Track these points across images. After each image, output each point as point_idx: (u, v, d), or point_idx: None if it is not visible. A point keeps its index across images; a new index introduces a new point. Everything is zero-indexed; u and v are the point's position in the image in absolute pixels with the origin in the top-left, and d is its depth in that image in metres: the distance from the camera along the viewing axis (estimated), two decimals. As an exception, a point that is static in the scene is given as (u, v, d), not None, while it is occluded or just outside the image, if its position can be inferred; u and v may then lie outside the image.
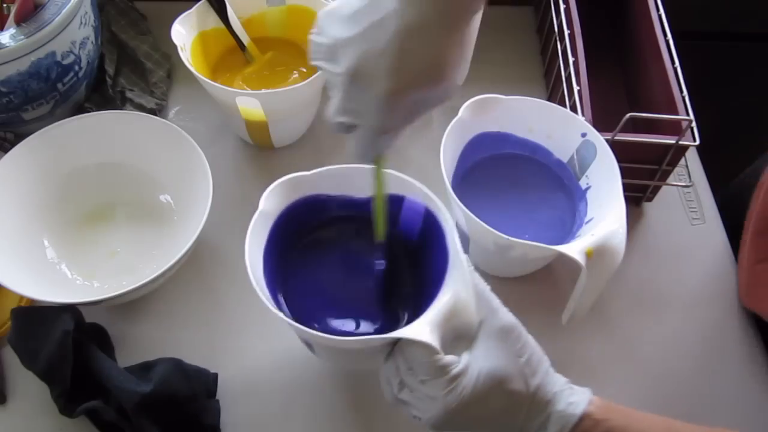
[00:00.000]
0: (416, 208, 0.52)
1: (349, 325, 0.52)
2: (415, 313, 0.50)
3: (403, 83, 0.39)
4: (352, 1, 0.39)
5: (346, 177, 0.53)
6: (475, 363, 0.41)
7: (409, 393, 0.43)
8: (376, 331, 0.50)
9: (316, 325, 0.51)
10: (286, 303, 0.52)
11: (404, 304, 0.53)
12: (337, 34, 0.40)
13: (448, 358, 0.41)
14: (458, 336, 0.43)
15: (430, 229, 0.51)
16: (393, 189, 0.51)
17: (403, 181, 0.51)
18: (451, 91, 0.41)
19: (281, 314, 0.44)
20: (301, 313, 0.51)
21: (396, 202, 0.53)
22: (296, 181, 0.51)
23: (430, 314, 0.43)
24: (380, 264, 0.52)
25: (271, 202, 0.50)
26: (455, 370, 0.41)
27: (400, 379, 0.43)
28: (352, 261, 0.55)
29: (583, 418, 0.40)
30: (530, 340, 0.43)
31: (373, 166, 0.47)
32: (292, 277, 0.53)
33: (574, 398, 0.41)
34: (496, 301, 0.44)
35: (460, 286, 0.44)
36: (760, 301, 0.59)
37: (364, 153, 0.44)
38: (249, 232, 0.48)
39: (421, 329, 0.41)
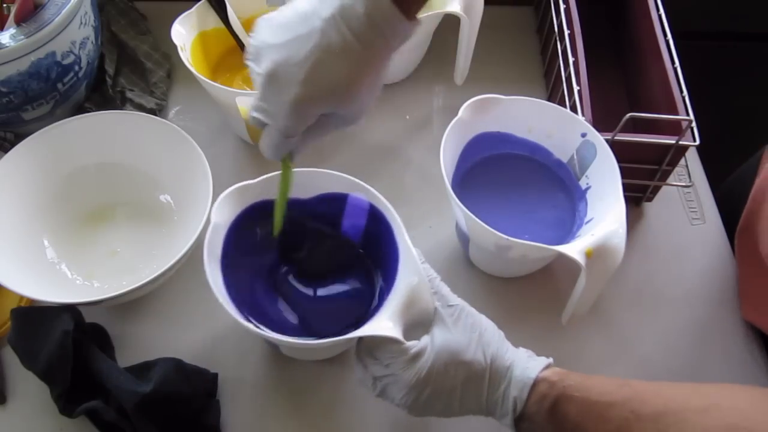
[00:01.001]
0: (361, 205, 0.55)
1: (308, 318, 0.54)
2: (369, 304, 0.53)
3: (311, 95, 0.42)
4: (287, 13, 0.43)
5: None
6: (432, 342, 0.45)
7: (381, 384, 0.45)
8: (334, 322, 0.53)
9: (279, 325, 0.53)
10: (250, 307, 0.53)
11: (360, 295, 0.55)
12: (266, 38, 0.43)
13: (409, 342, 0.45)
14: (417, 324, 0.47)
15: (376, 225, 0.54)
16: (337, 188, 0.55)
17: (347, 180, 0.54)
18: (358, 116, 0.45)
19: (250, 325, 0.47)
20: (262, 313, 0.54)
21: (339, 199, 0.55)
22: (243, 190, 0.53)
23: (390, 308, 0.46)
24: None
25: (222, 214, 0.52)
26: (414, 350, 0.44)
27: (373, 378, 0.46)
28: (301, 257, 0.57)
29: (539, 381, 0.43)
30: (482, 318, 0.47)
31: (280, 164, 0.50)
32: (249, 281, 0.55)
33: (531, 364, 0.44)
34: (445, 288, 0.48)
35: (415, 278, 0.47)
36: (758, 315, 0.59)
37: (271, 151, 0.47)
38: (205, 246, 0.50)
39: (384, 324, 0.45)
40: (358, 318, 0.53)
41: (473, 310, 0.47)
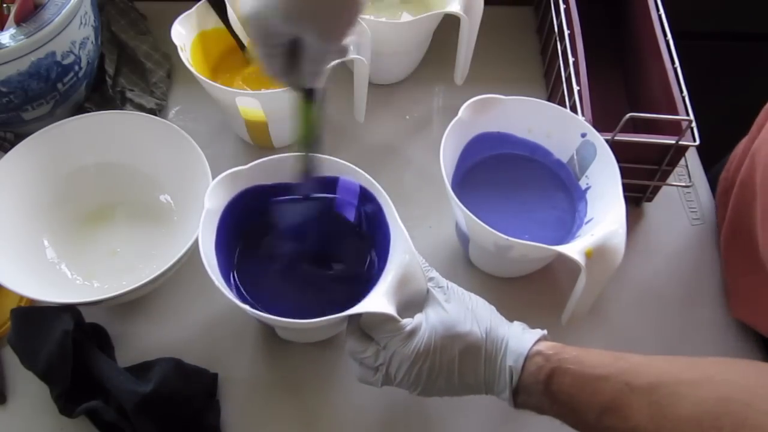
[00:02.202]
0: (351, 187, 0.56)
1: (303, 300, 0.55)
2: (365, 284, 0.53)
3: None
4: None
5: (279, 165, 0.55)
6: (426, 318, 0.46)
7: (382, 370, 0.46)
8: (329, 302, 0.54)
9: (274, 307, 0.54)
10: (245, 291, 0.55)
11: (354, 276, 0.56)
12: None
13: (404, 320, 0.45)
14: (410, 303, 0.48)
15: (367, 206, 0.55)
16: (327, 172, 0.56)
17: (336, 164, 0.55)
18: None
19: (246, 306, 0.48)
20: (259, 298, 0.55)
21: (330, 183, 0.56)
22: (235, 176, 0.54)
23: (383, 285, 0.47)
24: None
25: (214, 200, 0.53)
26: (410, 326, 0.45)
27: (374, 369, 0.46)
28: (294, 240, 0.58)
29: (534, 354, 0.43)
30: (473, 295, 0.48)
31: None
32: (244, 264, 0.56)
33: (525, 335, 0.45)
34: (435, 272, 0.49)
35: (407, 257, 0.48)
36: (749, 314, 0.60)
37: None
38: (200, 231, 0.51)
39: (378, 301, 0.45)
40: (353, 297, 0.53)
41: (463, 289, 0.48)
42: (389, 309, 0.45)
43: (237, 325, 0.59)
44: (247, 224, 0.57)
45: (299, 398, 0.56)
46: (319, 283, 0.56)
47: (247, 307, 0.48)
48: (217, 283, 0.48)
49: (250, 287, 0.55)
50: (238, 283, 0.55)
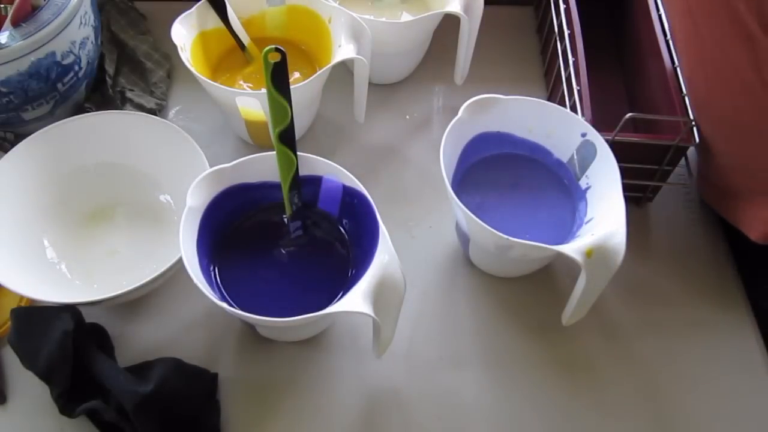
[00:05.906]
0: (334, 186, 0.55)
1: (284, 299, 0.55)
2: (346, 284, 0.54)
3: None
4: None
5: (264, 164, 0.55)
6: None
7: None
8: (310, 302, 0.53)
9: (254, 306, 0.54)
10: (225, 289, 0.54)
11: (335, 275, 0.56)
12: None
13: None
14: (388, 301, 0.48)
15: (350, 206, 0.55)
16: (309, 170, 0.55)
17: (319, 162, 0.55)
18: None
19: (224, 304, 0.47)
20: (239, 296, 0.54)
21: (314, 181, 0.56)
22: (218, 174, 0.54)
23: (362, 285, 0.47)
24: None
25: (197, 197, 0.52)
26: None
27: None
28: (278, 240, 0.58)
29: None
30: None
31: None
32: (226, 264, 0.56)
33: None
34: None
35: (386, 257, 0.48)
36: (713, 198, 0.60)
37: None
38: (181, 229, 0.50)
39: (355, 301, 0.45)
40: (335, 296, 0.54)
41: None
42: (364, 308, 0.45)
43: (237, 325, 0.59)
44: (230, 223, 0.57)
45: (300, 398, 0.56)
46: (301, 282, 0.56)
47: (225, 305, 0.48)
48: (196, 280, 0.48)
49: (231, 286, 0.55)
50: (219, 281, 0.55)
